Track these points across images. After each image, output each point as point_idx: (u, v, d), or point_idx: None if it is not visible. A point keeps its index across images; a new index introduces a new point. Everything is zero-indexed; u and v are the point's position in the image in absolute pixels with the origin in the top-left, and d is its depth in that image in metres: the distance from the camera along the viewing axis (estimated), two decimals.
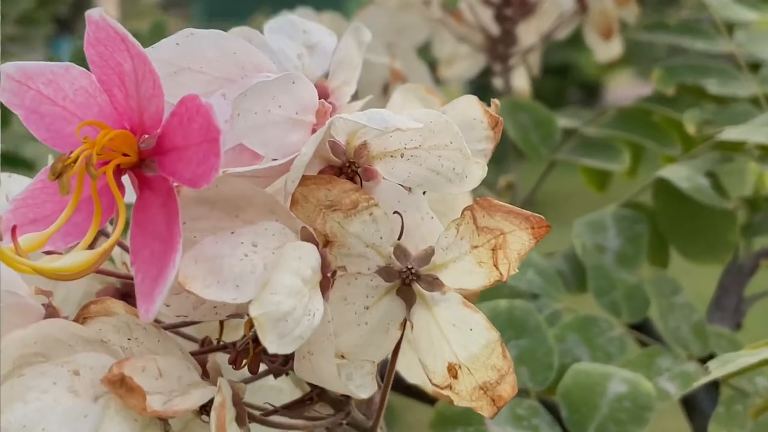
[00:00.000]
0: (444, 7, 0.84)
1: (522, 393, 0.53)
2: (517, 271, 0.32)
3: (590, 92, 5.16)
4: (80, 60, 0.32)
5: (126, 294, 0.40)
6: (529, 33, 0.83)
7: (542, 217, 0.31)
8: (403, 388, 0.55)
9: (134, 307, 0.32)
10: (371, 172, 0.34)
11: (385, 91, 0.72)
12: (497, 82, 0.84)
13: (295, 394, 0.42)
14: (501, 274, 0.32)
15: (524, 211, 0.31)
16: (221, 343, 0.37)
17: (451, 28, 0.83)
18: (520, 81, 0.85)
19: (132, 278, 0.38)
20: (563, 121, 0.78)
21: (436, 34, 0.85)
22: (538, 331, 0.56)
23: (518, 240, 0.31)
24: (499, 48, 0.82)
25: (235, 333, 0.41)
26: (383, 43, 0.76)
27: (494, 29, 0.82)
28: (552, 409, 0.52)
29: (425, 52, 0.88)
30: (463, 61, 0.86)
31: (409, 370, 0.45)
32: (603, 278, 0.61)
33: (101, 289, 0.41)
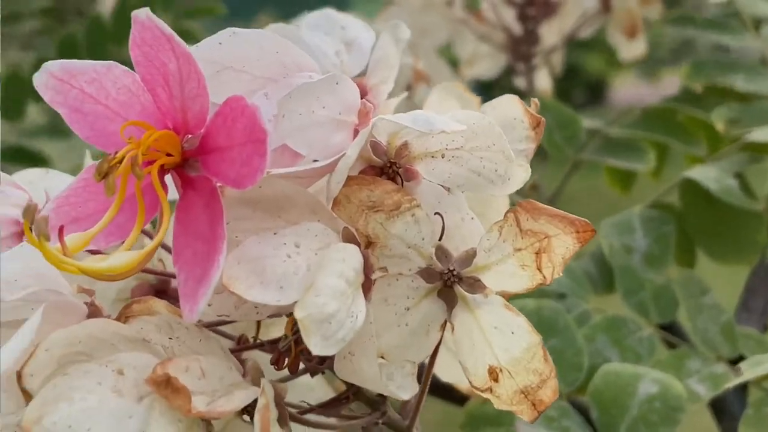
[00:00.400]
0: (466, 7, 0.84)
1: None
2: (561, 274, 0.31)
3: (595, 93, 5.16)
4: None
5: (161, 290, 0.40)
6: (551, 33, 0.83)
7: (587, 221, 0.31)
8: (433, 387, 0.55)
9: (172, 305, 0.32)
10: (412, 173, 0.34)
11: (408, 90, 0.72)
12: (519, 82, 0.84)
13: (326, 392, 0.42)
14: (545, 277, 0.31)
15: (569, 215, 0.31)
16: (258, 341, 0.37)
17: (472, 27, 0.83)
18: (543, 81, 0.85)
19: (167, 275, 0.39)
20: (587, 121, 0.78)
21: (458, 34, 0.85)
22: (568, 331, 0.55)
23: (563, 244, 0.31)
24: (522, 47, 0.81)
25: (269, 330, 0.41)
26: (406, 44, 0.76)
27: (517, 29, 0.82)
28: (581, 410, 0.52)
29: (446, 52, 0.88)
30: (484, 60, 0.86)
31: (443, 368, 0.44)
32: (631, 279, 0.61)
33: (136, 285, 0.41)
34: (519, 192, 0.66)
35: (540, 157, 0.77)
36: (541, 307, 0.56)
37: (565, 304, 0.60)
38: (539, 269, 0.31)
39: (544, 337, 0.55)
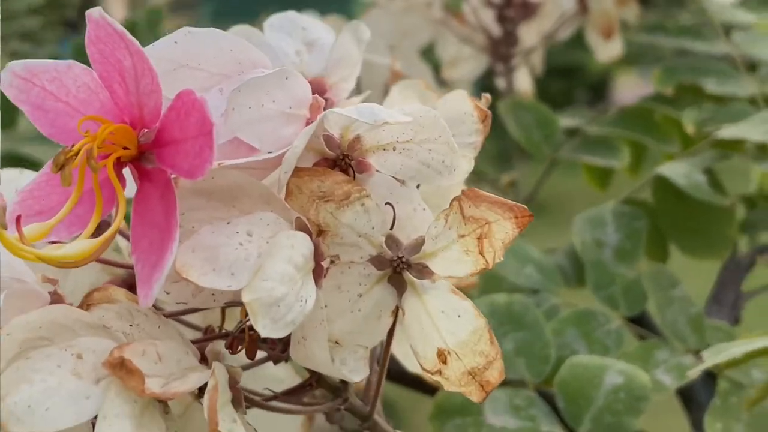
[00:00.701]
0: (447, 9, 0.85)
1: (520, 384, 0.55)
2: (501, 259, 0.33)
3: (597, 93, 5.20)
4: (82, 56, 0.33)
5: (132, 285, 0.41)
6: (530, 34, 0.84)
7: (525, 207, 0.32)
8: (408, 380, 0.56)
9: (132, 293, 0.33)
10: (364, 165, 0.35)
11: (387, 91, 0.73)
12: (500, 83, 0.85)
13: (295, 382, 0.44)
14: (487, 261, 0.33)
15: (508, 201, 0.32)
16: (223, 331, 0.38)
17: (453, 29, 0.85)
18: (523, 81, 0.86)
19: (121, 266, 0.40)
20: (566, 120, 0.79)
21: (439, 36, 0.86)
22: (536, 324, 0.57)
23: (502, 229, 0.32)
24: (501, 49, 0.83)
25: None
26: (386, 45, 0.77)
27: (496, 30, 0.83)
28: (549, 400, 0.53)
29: (429, 54, 0.89)
30: (466, 62, 0.87)
31: (408, 358, 0.46)
32: (601, 272, 0.62)
33: (109, 280, 0.42)
34: (498, 189, 0.68)
35: (520, 155, 0.79)
36: (512, 302, 0.57)
37: (537, 298, 0.62)
38: (481, 254, 0.33)
39: (513, 330, 0.57)
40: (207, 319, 0.41)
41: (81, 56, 0.33)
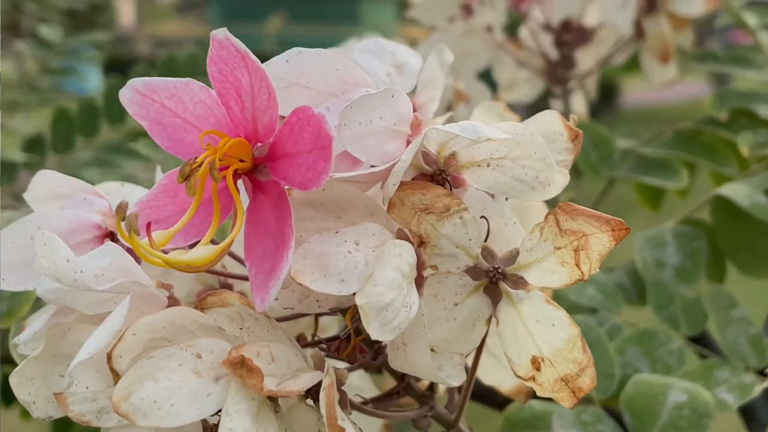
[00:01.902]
0: (505, 33, 0.87)
1: (586, 401, 0.56)
2: (597, 270, 0.34)
3: (606, 97, 5.25)
4: (113, 94, 0.35)
5: None
6: (586, 58, 0.86)
7: (622, 220, 0.34)
8: (474, 393, 0.57)
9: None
10: (460, 180, 0.37)
11: (449, 111, 0.75)
12: (556, 105, 0.86)
13: (374, 393, 0.45)
14: (582, 273, 0.34)
15: (605, 215, 0.34)
16: (316, 338, 0.40)
17: (511, 53, 0.86)
18: (578, 104, 0.88)
19: (231, 276, 0.42)
20: (621, 141, 0.80)
21: (497, 59, 0.88)
22: (600, 344, 0.58)
23: (599, 241, 0.34)
24: (558, 72, 0.84)
25: (325, 332, 0.44)
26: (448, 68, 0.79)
27: (553, 54, 0.85)
28: (615, 417, 0.55)
29: (485, 77, 0.91)
30: (522, 85, 0.89)
31: (484, 371, 0.47)
32: (662, 292, 0.63)
33: (201, 289, 0.44)
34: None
35: (574, 175, 0.80)
36: (575, 322, 0.58)
37: (597, 318, 0.63)
38: (578, 265, 0.34)
39: None
40: (296, 327, 0.43)
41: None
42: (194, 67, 1.06)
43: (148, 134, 0.36)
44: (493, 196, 0.38)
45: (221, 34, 0.33)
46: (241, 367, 0.31)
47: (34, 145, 1.09)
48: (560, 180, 0.35)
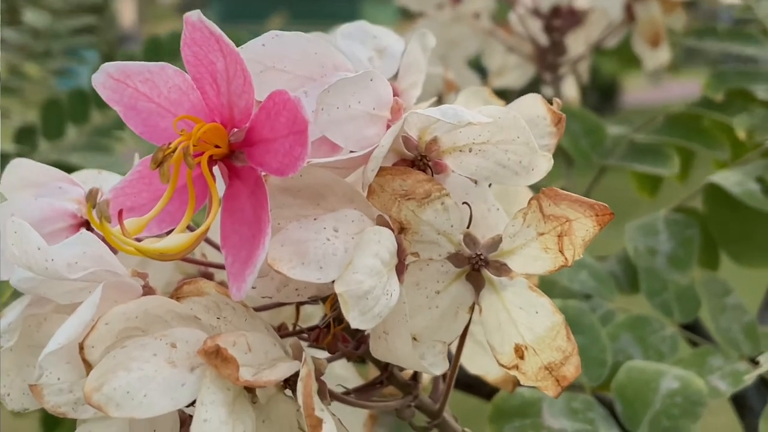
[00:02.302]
0: (495, 19, 0.86)
1: (577, 388, 0.55)
2: (581, 256, 0.34)
3: (607, 95, 5.26)
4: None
5: None
6: (577, 43, 0.85)
7: (606, 205, 0.33)
8: (462, 383, 0.57)
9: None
10: (441, 166, 0.36)
11: (439, 100, 0.74)
12: (546, 91, 0.86)
13: (358, 382, 0.45)
14: (566, 259, 0.34)
15: (588, 199, 0.33)
16: (297, 327, 0.39)
17: (500, 39, 0.86)
18: (570, 90, 0.87)
19: (211, 265, 0.41)
20: (612, 128, 0.80)
21: (487, 45, 0.87)
22: (592, 329, 0.57)
23: (583, 227, 0.33)
24: (549, 58, 0.84)
25: (308, 322, 0.43)
26: (436, 55, 0.78)
27: (543, 40, 0.84)
28: (606, 404, 0.54)
29: (473, 63, 0.90)
30: (512, 71, 0.88)
31: (470, 360, 0.47)
32: (655, 280, 0.63)
33: (182, 279, 0.43)
34: None
35: (566, 163, 0.80)
36: (567, 307, 0.58)
37: (590, 304, 0.62)
38: (561, 251, 0.33)
39: None
40: (276, 317, 0.43)
41: None
42: (179, 45, 1.05)
43: None
44: (476, 181, 0.37)
45: (195, 16, 0.32)
46: (216, 356, 0.31)
47: (25, 135, 1.08)
48: (544, 164, 0.34)
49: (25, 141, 1.09)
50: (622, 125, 0.80)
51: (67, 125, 1.07)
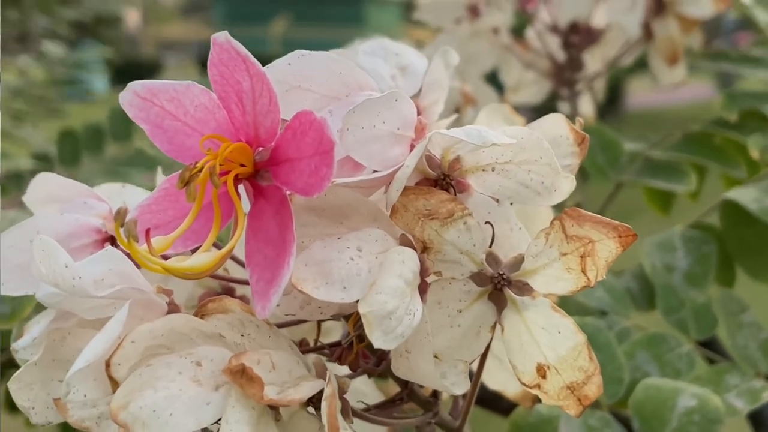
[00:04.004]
0: (512, 35, 0.86)
1: (594, 405, 0.55)
2: (604, 277, 0.34)
3: (611, 99, 5.27)
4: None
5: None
6: (594, 60, 0.85)
7: (629, 226, 0.33)
8: (479, 398, 0.57)
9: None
10: (464, 185, 0.36)
11: (457, 113, 0.74)
12: (563, 107, 0.86)
13: (378, 397, 0.45)
14: (589, 279, 0.34)
15: (612, 220, 0.33)
16: (318, 343, 0.40)
17: (518, 55, 0.86)
18: (586, 106, 0.87)
19: (233, 281, 0.42)
20: (628, 144, 0.80)
21: (504, 61, 0.87)
22: (608, 347, 0.58)
23: (606, 248, 0.33)
24: (566, 74, 0.84)
25: (328, 336, 0.43)
26: (454, 70, 0.78)
27: (561, 56, 0.84)
28: (623, 422, 0.54)
29: (491, 79, 0.90)
30: (529, 87, 0.88)
31: (489, 375, 0.47)
32: (672, 297, 0.63)
33: (203, 292, 0.44)
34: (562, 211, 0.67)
35: (581, 178, 0.80)
36: (583, 324, 0.58)
37: (607, 321, 0.62)
38: (584, 272, 0.34)
39: None
40: (298, 332, 0.43)
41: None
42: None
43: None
44: (498, 201, 0.37)
45: (222, 37, 0.32)
46: (241, 375, 0.31)
47: (41, 161, 1.10)
48: (566, 186, 0.35)
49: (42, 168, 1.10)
50: (637, 141, 0.80)
51: (82, 154, 1.08)
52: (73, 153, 1.07)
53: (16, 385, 0.36)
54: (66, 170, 1.07)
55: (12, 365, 0.66)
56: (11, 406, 0.72)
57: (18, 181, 1.02)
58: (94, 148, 1.06)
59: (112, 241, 0.38)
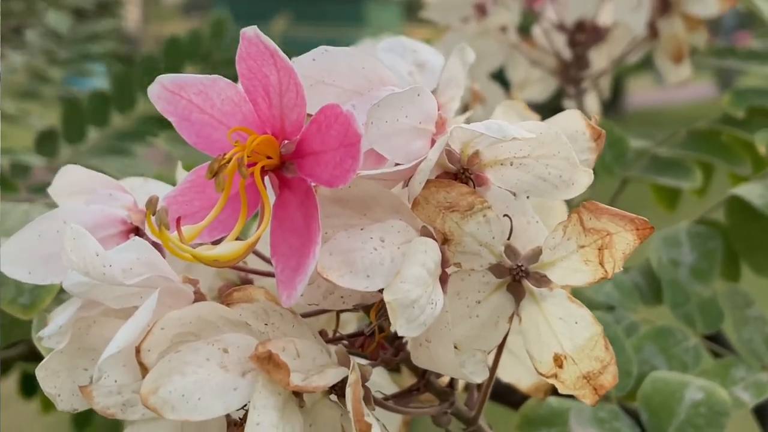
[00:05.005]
0: (518, 32, 0.87)
1: (604, 398, 0.56)
2: (621, 269, 0.34)
3: (612, 97, 5.28)
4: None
5: None
6: (600, 57, 0.86)
7: (646, 219, 0.34)
8: (492, 392, 0.57)
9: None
10: (483, 179, 0.37)
11: (465, 111, 0.75)
12: (569, 105, 0.87)
13: (393, 389, 0.45)
14: (606, 271, 0.34)
15: (629, 213, 0.34)
16: (338, 334, 0.40)
17: (524, 53, 0.87)
18: (592, 104, 0.88)
19: (253, 272, 0.42)
20: (634, 141, 0.81)
21: (510, 59, 0.88)
22: (617, 340, 0.58)
23: (623, 240, 0.34)
24: (572, 72, 0.85)
25: (344, 328, 0.44)
26: None
27: (567, 54, 0.85)
28: (631, 415, 0.55)
29: (496, 75, 0.91)
30: (535, 84, 0.89)
31: (503, 369, 0.47)
32: (678, 291, 0.64)
33: (222, 284, 0.44)
34: (570, 207, 0.69)
35: None
36: None
37: (615, 315, 0.63)
38: (601, 264, 0.34)
39: None
40: (317, 324, 0.44)
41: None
42: (196, 49, 1.06)
43: (160, 120, 0.36)
44: (515, 194, 0.38)
45: (251, 31, 0.33)
46: (268, 362, 0.32)
47: (46, 139, 1.09)
48: (584, 179, 0.35)
49: (48, 144, 1.10)
50: (643, 138, 0.81)
51: (88, 128, 1.08)
52: (79, 127, 1.07)
53: (42, 372, 0.36)
54: (72, 148, 1.07)
55: (25, 357, 0.67)
56: (26, 392, 0.73)
57: (25, 167, 1.02)
58: (100, 121, 1.05)
59: (136, 232, 0.39)
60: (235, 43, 0.34)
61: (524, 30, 0.90)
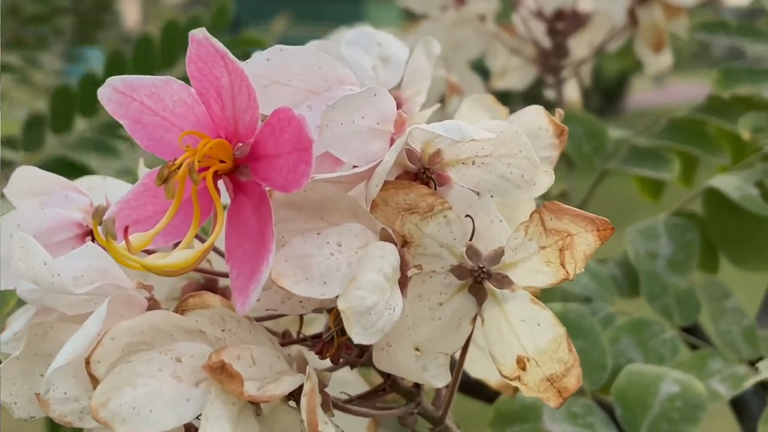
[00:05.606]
0: (497, 20, 0.86)
1: (577, 392, 0.56)
2: (582, 270, 0.34)
3: (611, 97, 5.28)
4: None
5: (209, 289, 0.43)
6: (580, 46, 0.85)
7: (607, 220, 0.33)
8: (463, 386, 0.57)
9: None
10: (444, 178, 0.36)
11: (442, 102, 0.74)
12: (549, 94, 0.86)
13: (362, 386, 0.45)
14: (567, 272, 0.34)
15: (590, 214, 0.34)
16: (301, 335, 0.40)
17: (503, 41, 0.86)
18: (572, 93, 0.87)
19: (215, 274, 0.42)
20: (614, 131, 0.80)
21: (490, 47, 0.87)
22: (592, 333, 0.58)
23: (584, 241, 0.34)
24: (551, 60, 0.84)
25: (311, 327, 0.43)
26: (439, 57, 0.78)
27: (546, 42, 0.84)
28: (606, 408, 0.54)
29: (475, 64, 0.90)
30: (515, 73, 0.88)
31: (472, 364, 0.47)
32: (655, 283, 0.63)
33: (186, 284, 0.44)
34: (547, 199, 0.68)
35: (567, 166, 0.80)
36: (567, 311, 0.58)
37: (591, 307, 0.63)
38: (563, 265, 0.34)
39: (570, 339, 0.57)
40: (281, 324, 0.43)
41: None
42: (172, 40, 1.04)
43: None
44: (478, 194, 0.37)
45: (200, 33, 0.32)
46: (220, 372, 0.31)
47: (33, 125, 1.07)
48: (545, 180, 0.35)
49: (34, 131, 1.08)
50: (623, 129, 0.80)
51: (76, 117, 1.06)
52: (67, 114, 1.05)
53: None
54: (58, 137, 1.06)
55: None
56: None
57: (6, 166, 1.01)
58: (89, 110, 1.04)
59: (92, 235, 0.38)
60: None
61: (505, 16, 0.89)
